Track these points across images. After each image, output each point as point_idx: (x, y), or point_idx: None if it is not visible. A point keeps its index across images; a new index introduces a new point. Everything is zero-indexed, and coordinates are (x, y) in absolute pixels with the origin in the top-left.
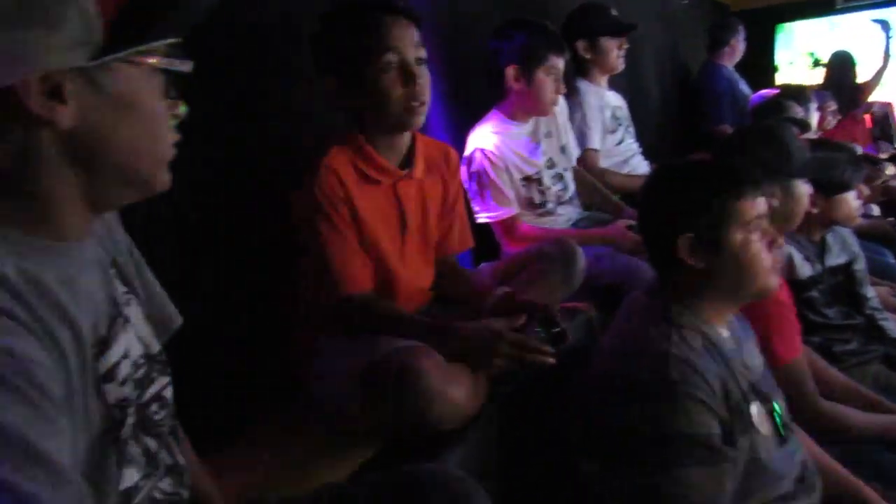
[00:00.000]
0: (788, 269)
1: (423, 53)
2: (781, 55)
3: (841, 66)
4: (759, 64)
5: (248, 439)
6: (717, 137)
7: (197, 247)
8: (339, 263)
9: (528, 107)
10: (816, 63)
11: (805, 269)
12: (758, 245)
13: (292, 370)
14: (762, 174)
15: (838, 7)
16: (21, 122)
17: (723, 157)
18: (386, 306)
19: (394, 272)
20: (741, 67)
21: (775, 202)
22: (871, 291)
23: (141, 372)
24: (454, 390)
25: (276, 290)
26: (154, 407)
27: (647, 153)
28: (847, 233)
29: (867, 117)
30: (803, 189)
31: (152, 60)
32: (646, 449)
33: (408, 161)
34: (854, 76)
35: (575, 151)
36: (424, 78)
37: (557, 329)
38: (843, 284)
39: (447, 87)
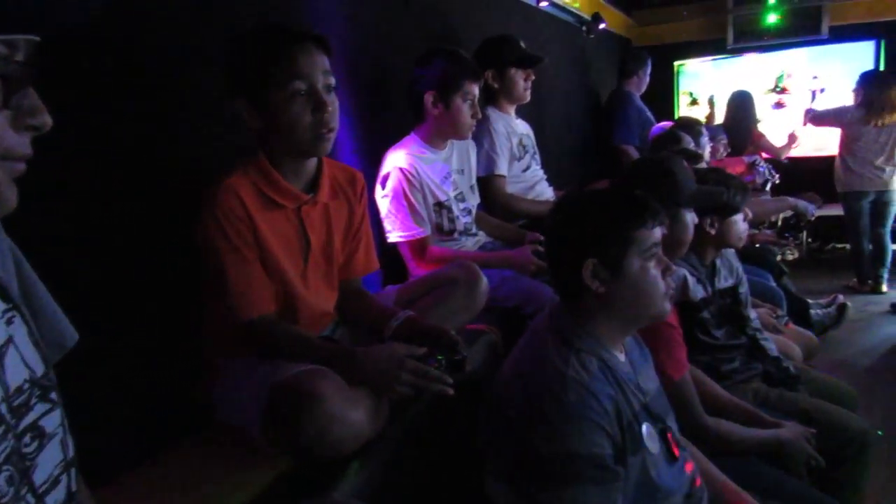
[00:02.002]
0: (682, 291)
1: (332, 80)
2: (682, 90)
3: (739, 105)
4: (662, 98)
5: (157, 462)
6: (623, 157)
7: (105, 262)
8: (240, 286)
9: (446, 131)
10: (694, 101)
11: (698, 292)
12: (654, 272)
13: (198, 392)
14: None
15: (730, 48)
16: None
17: (623, 187)
18: (288, 330)
19: (296, 295)
20: (646, 100)
21: (664, 230)
22: (752, 313)
23: (20, 399)
24: (354, 414)
25: (187, 309)
26: (27, 438)
27: (556, 178)
28: (733, 257)
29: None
30: (689, 218)
31: None
32: (544, 468)
33: (313, 185)
34: (752, 117)
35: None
36: (333, 105)
37: (458, 357)
38: (729, 306)
39: (360, 112)
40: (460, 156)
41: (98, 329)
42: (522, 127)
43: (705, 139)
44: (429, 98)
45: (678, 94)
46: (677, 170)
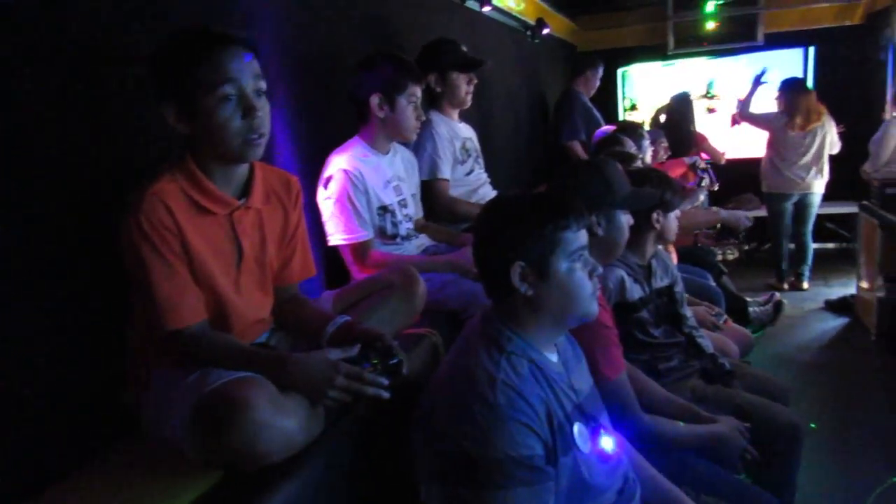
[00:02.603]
0: (620, 291)
1: (262, 85)
2: (627, 94)
3: (678, 107)
4: (605, 102)
5: (81, 475)
6: (571, 155)
7: (31, 270)
8: (167, 296)
9: (391, 133)
10: (633, 107)
11: (635, 292)
12: (581, 273)
13: (125, 398)
14: (590, 206)
15: (671, 53)
16: None
17: (556, 190)
18: (217, 339)
19: (228, 303)
20: (594, 104)
21: (600, 231)
22: (688, 312)
23: None
24: (284, 421)
25: (115, 318)
26: None
27: (504, 181)
28: (667, 258)
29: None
30: (624, 220)
31: None
32: (477, 470)
33: (245, 190)
34: (691, 119)
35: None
36: (264, 110)
37: (393, 360)
38: (666, 305)
39: (302, 115)
40: (405, 164)
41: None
42: (466, 131)
43: (646, 142)
44: (374, 100)
45: (622, 98)
46: (610, 172)
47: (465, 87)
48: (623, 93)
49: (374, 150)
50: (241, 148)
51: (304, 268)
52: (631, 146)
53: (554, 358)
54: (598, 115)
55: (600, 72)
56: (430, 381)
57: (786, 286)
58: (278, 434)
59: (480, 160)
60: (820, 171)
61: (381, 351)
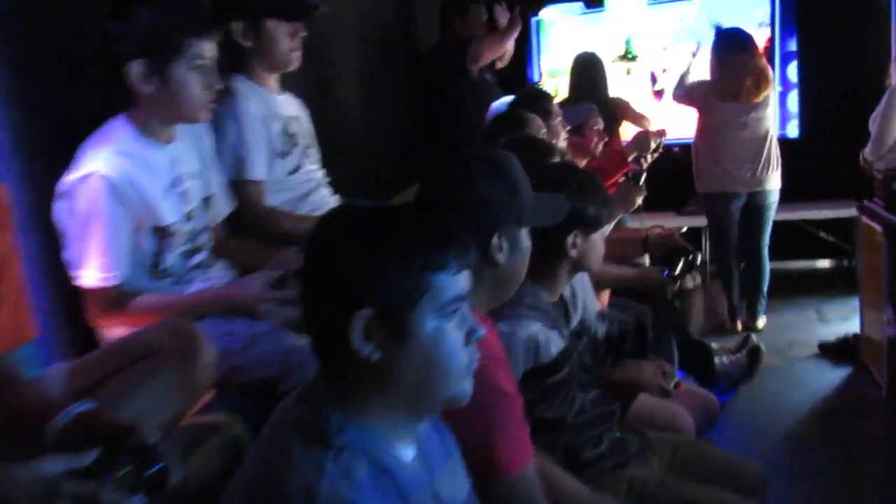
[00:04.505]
0: (534, 354)
1: None
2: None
3: (584, 72)
4: (515, 65)
5: None
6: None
7: None
8: None
9: (167, 113)
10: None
11: (554, 345)
12: (453, 337)
13: None
14: (490, 222)
15: None
16: None
17: (429, 203)
18: None
19: None
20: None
21: (501, 259)
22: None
23: None
24: None
25: None
26: None
27: (348, 183)
28: (578, 281)
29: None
30: (525, 241)
31: None
32: None
33: None
34: (603, 85)
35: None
36: None
37: (155, 468)
38: (592, 350)
39: (31, 92)
40: (197, 148)
41: None
42: (290, 107)
43: (558, 120)
44: (136, 68)
45: (537, 58)
46: (515, 171)
47: (287, 41)
48: (538, 51)
49: (147, 138)
50: None
51: (17, 328)
52: (540, 127)
53: (409, 455)
54: (488, 77)
55: (485, 13)
56: (225, 496)
57: (738, 326)
58: None
59: (314, 151)
60: (773, 161)
61: (136, 453)
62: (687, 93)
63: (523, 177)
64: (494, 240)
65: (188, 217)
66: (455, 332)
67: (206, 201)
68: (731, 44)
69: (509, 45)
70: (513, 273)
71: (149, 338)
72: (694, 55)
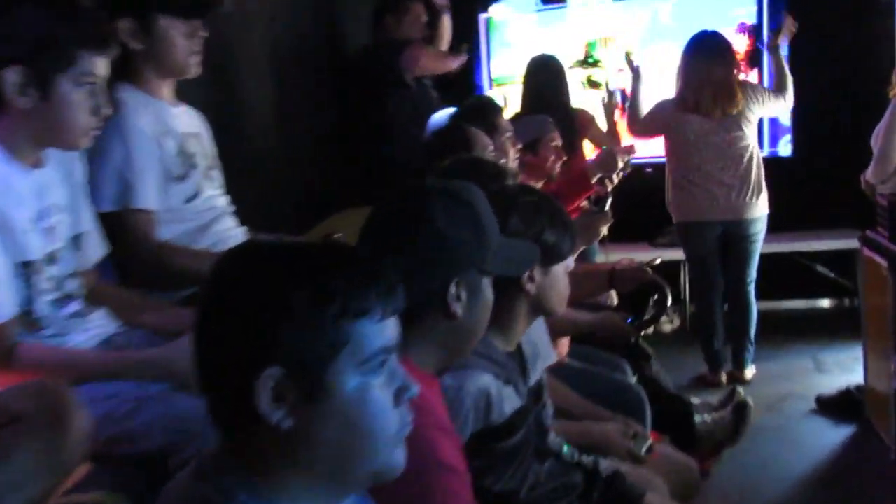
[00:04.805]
0: (485, 412)
1: None
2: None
3: (540, 77)
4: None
5: None
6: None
7: None
8: None
9: (43, 135)
10: (591, 62)
11: (508, 402)
12: (379, 396)
13: None
14: (448, 267)
15: None
16: None
17: (377, 238)
18: None
19: None
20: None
21: (459, 311)
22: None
23: None
24: None
25: None
26: None
27: (260, 214)
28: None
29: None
30: (490, 295)
31: None
32: None
33: None
34: (564, 95)
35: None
36: None
37: None
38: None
39: None
40: (67, 176)
41: None
42: (188, 122)
43: (508, 136)
44: (11, 76)
45: (488, 63)
46: (479, 205)
47: (184, 43)
48: (488, 54)
49: (13, 159)
50: None
51: None
52: (486, 145)
53: None
54: (429, 89)
55: (422, 14)
56: None
57: (723, 377)
58: None
59: (216, 174)
60: (755, 185)
61: None
62: (646, 122)
63: (490, 217)
64: (452, 288)
65: (51, 259)
66: (382, 390)
67: (76, 241)
68: (695, 49)
69: (453, 66)
70: (471, 328)
71: (6, 401)
72: (636, 79)
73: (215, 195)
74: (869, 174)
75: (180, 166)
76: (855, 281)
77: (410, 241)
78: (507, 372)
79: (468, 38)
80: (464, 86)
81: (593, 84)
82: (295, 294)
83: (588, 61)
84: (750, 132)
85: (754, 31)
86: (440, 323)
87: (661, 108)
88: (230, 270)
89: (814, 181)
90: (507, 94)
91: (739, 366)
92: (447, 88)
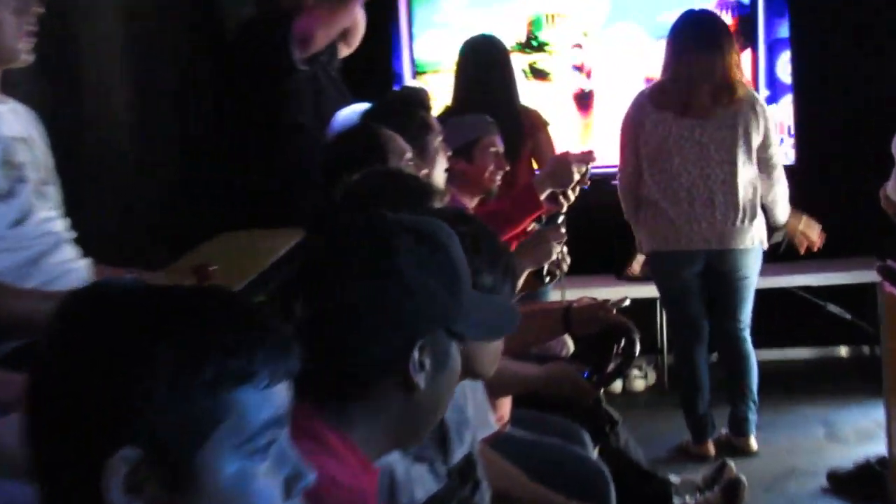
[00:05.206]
0: (388, 495)
1: None
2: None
3: (480, 63)
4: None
5: None
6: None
7: None
8: None
9: None
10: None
11: (420, 485)
12: (267, 483)
13: None
14: (415, 325)
15: None
16: None
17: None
18: None
19: None
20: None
21: (422, 384)
22: None
23: None
24: None
25: None
26: None
27: (101, 241)
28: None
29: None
30: (458, 363)
31: None
32: None
33: None
34: (509, 87)
35: None
36: None
37: None
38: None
39: None
40: None
41: None
42: (15, 123)
43: (436, 143)
44: None
45: (410, 46)
46: (452, 246)
47: (12, 21)
48: (410, 36)
49: None
50: None
51: None
52: (404, 151)
53: None
54: (334, 77)
55: None
56: None
57: (710, 448)
58: None
59: (52, 191)
60: (750, 206)
61: None
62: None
63: (465, 266)
64: (415, 353)
65: None
66: (268, 477)
67: None
68: (684, 35)
69: (355, 19)
70: (431, 405)
71: None
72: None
73: (51, 218)
74: (890, 188)
75: (3, 180)
76: (874, 323)
77: (367, 291)
78: (421, 447)
79: (384, 14)
80: (378, 74)
81: (538, 73)
82: (157, 353)
83: (532, 44)
84: (746, 129)
85: (738, 8)
86: (395, 397)
87: (634, 107)
88: (73, 321)
89: (822, 196)
90: (435, 85)
91: (741, 431)
92: (358, 76)
